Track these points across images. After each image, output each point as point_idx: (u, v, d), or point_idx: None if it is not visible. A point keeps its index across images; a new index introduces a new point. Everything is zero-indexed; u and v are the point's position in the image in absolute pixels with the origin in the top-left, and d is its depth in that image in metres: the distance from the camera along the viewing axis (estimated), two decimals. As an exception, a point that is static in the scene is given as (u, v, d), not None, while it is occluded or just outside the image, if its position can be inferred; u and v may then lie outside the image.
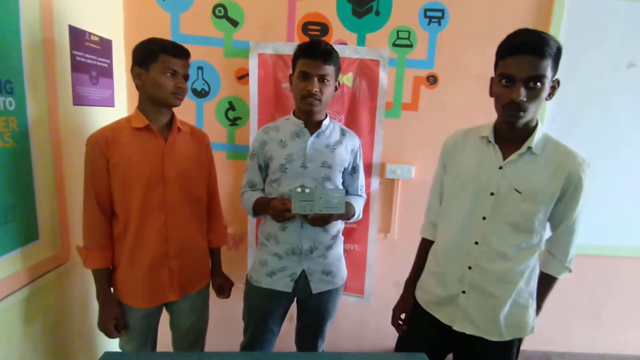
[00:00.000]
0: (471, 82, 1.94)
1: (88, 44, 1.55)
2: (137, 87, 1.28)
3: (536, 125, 1.12)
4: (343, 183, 1.52)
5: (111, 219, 1.32)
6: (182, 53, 1.27)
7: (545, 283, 1.23)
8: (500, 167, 1.13)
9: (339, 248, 1.54)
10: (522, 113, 1.03)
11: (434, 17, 1.88)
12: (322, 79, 1.34)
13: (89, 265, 1.30)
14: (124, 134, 1.27)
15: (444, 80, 1.94)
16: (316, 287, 1.47)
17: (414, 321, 1.35)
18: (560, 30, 1.90)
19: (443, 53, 1.91)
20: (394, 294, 2.14)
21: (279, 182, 1.42)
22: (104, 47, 1.66)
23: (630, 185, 2.11)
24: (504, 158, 1.13)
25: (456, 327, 1.22)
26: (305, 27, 1.87)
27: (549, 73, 1.01)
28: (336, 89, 1.43)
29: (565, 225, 1.16)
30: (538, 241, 1.16)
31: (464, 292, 1.20)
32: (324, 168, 1.41)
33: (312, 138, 1.41)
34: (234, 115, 1.94)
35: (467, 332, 1.21)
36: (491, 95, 1.13)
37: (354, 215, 1.50)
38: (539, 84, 1.01)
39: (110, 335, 1.34)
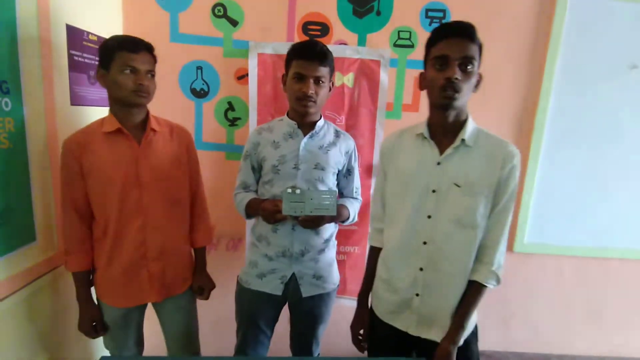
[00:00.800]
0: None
1: (86, 43, 1.53)
2: (106, 89, 1.26)
3: (466, 119, 1.14)
4: (338, 185, 1.50)
5: (90, 222, 1.31)
6: (139, 47, 1.21)
7: (470, 292, 1.15)
8: (439, 163, 1.13)
9: (332, 252, 1.51)
10: (457, 94, 1.05)
11: (436, 17, 1.86)
12: (317, 80, 1.32)
13: (70, 268, 1.29)
14: (96, 139, 1.24)
15: (445, 81, 1.92)
16: (306, 291, 1.45)
17: (375, 333, 1.31)
18: (562, 31, 1.89)
19: (444, 54, 1.89)
20: (394, 296, 2.15)
21: (272, 183, 1.40)
22: (102, 46, 1.64)
23: (630, 187, 2.10)
24: (441, 153, 1.14)
25: (412, 332, 1.20)
26: (305, 27, 1.85)
27: (477, 58, 1.06)
28: (330, 89, 1.41)
29: (491, 221, 1.13)
30: (482, 236, 1.15)
31: (417, 294, 1.18)
32: (317, 170, 1.39)
33: (305, 139, 1.39)
34: (233, 115, 1.93)
35: (423, 336, 1.19)
36: (421, 88, 1.15)
37: (348, 218, 1.48)
38: (470, 66, 1.05)
39: (89, 335, 1.35)
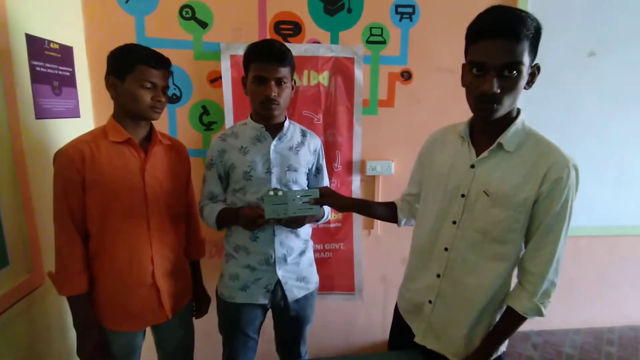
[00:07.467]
0: (444, 76, 1.97)
1: (48, 53, 1.44)
2: (112, 97, 1.21)
3: (515, 118, 0.99)
4: (308, 185, 1.48)
5: (86, 239, 1.23)
6: (161, 63, 1.20)
7: (507, 318, 1.03)
8: (472, 166, 1.02)
9: (310, 252, 1.52)
10: (495, 106, 0.91)
11: (405, 13, 1.89)
12: (279, 81, 1.29)
13: (67, 292, 1.19)
14: (102, 149, 1.19)
15: (417, 75, 1.96)
16: (292, 295, 1.44)
17: (397, 327, 1.27)
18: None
19: (415, 48, 1.93)
20: (381, 289, 2.19)
21: (244, 190, 1.36)
22: (65, 54, 1.56)
23: (593, 168, 2.23)
24: (478, 156, 1.02)
25: (418, 340, 1.14)
26: (277, 27, 1.83)
27: (526, 59, 0.88)
28: (293, 88, 1.38)
29: (535, 243, 0.98)
30: (514, 254, 1.01)
31: (430, 302, 1.11)
32: (290, 171, 1.37)
33: (274, 142, 1.37)
34: (208, 119, 1.89)
35: (428, 347, 1.13)
36: (463, 85, 1.00)
37: (323, 216, 1.48)
38: (514, 72, 0.88)
39: None
